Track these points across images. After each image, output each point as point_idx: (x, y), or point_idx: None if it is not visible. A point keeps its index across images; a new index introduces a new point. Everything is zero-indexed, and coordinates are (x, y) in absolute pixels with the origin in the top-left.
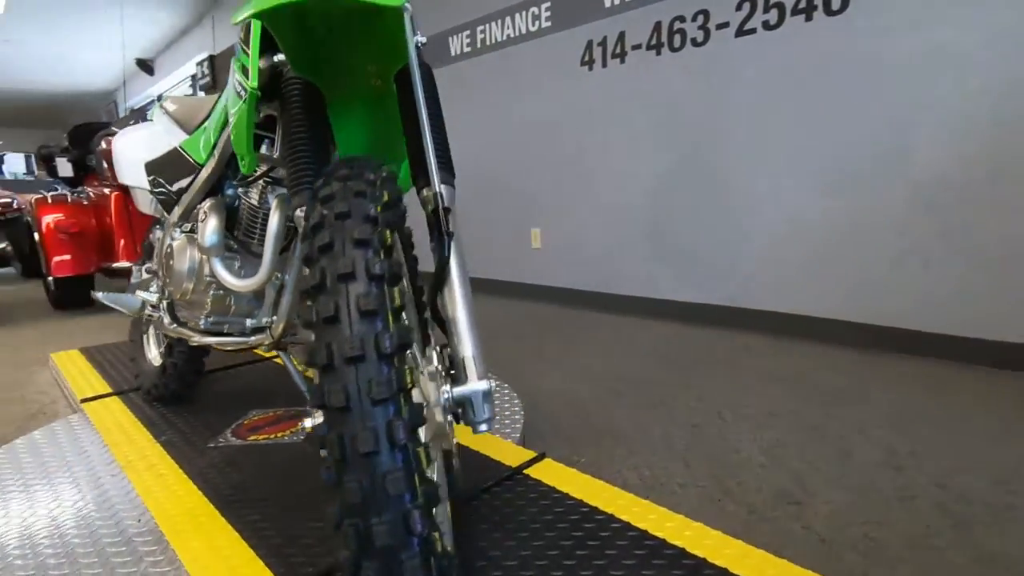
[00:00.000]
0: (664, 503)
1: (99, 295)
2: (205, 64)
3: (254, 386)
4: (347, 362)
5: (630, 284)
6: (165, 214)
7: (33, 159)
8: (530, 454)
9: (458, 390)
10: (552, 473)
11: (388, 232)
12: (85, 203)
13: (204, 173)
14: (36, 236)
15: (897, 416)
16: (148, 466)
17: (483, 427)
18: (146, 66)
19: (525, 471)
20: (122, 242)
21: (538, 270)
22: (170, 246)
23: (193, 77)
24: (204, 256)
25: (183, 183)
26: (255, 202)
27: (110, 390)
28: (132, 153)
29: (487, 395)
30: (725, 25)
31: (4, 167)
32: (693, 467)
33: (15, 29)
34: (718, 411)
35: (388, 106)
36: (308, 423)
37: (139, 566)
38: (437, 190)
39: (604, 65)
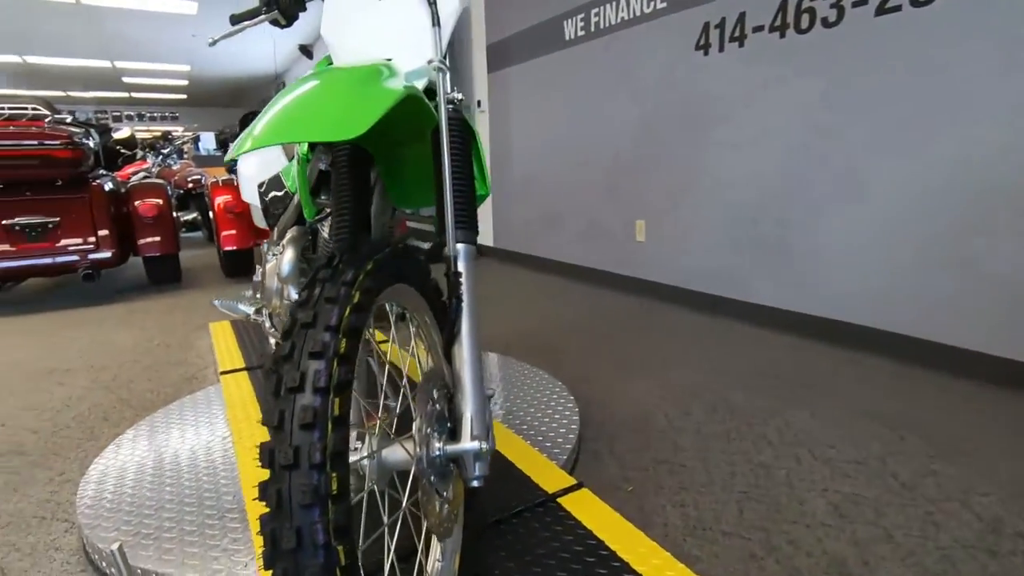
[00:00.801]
0: (700, 550)
1: (216, 302)
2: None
3: None
4: (283, 468)
5: (736, 287)
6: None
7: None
8: (568, 481)
9: (451, 447)
10: (584, 506)
11: (347, 339)
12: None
13: (293, 202)
14: (211, 214)
15: (1021, 484)
16: (253, 445)
17: (474, 483)
18: (306, 51)
19: (559, 499)
20: None
21: (641, 264)
22: (264, 266)
23: None
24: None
25: (280, 208)
26: (326, 235)
27: (243, 365)
28: (250, 171)
29: (478, 456)
30: (863, 2)
31: (200, 144)
32: (746, 514)
33: (204, 25)
34: (796, 450)
35: (429, 158)
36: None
37: (222, 541)
38: (451, 254)
39: (721, 49)
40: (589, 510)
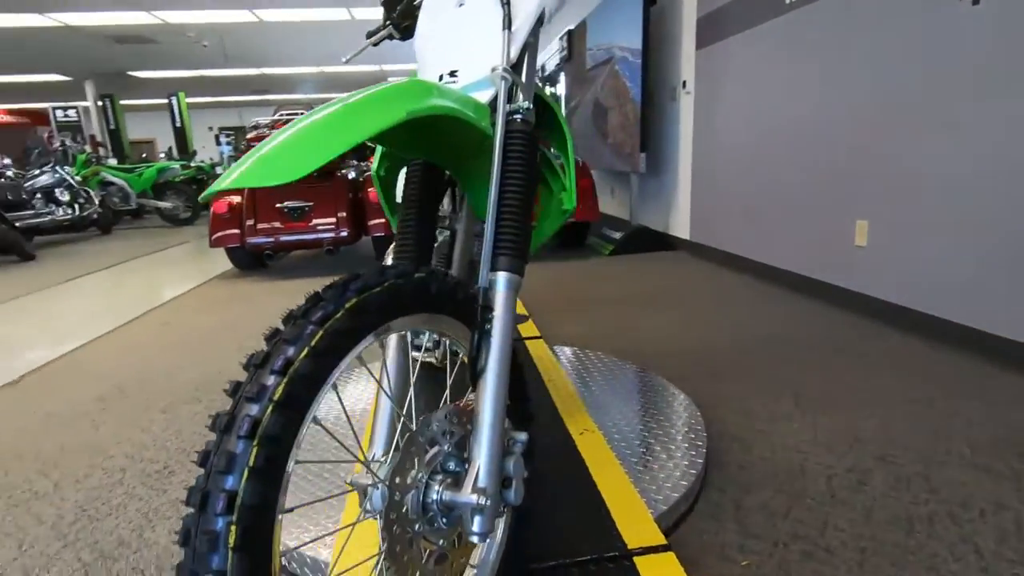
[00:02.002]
0: None
1: None
2: (564, 38)
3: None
4: (194, 509)
5: (992, 317)
6: None
7: None
8: (656, 538)
9: (449, 495)
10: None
11: (292, 385)
12: None
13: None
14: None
15: None
16: None
17: (474, 539)
18: None
19: (635, 558)
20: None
21: (859, 274)
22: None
23: (560, 51)
24: None
25: None
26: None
27: None
28: None
29: (478, 511)
30: None
31: None
32: None
33: None
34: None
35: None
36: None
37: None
38: (480, 284)
39: None
40: None
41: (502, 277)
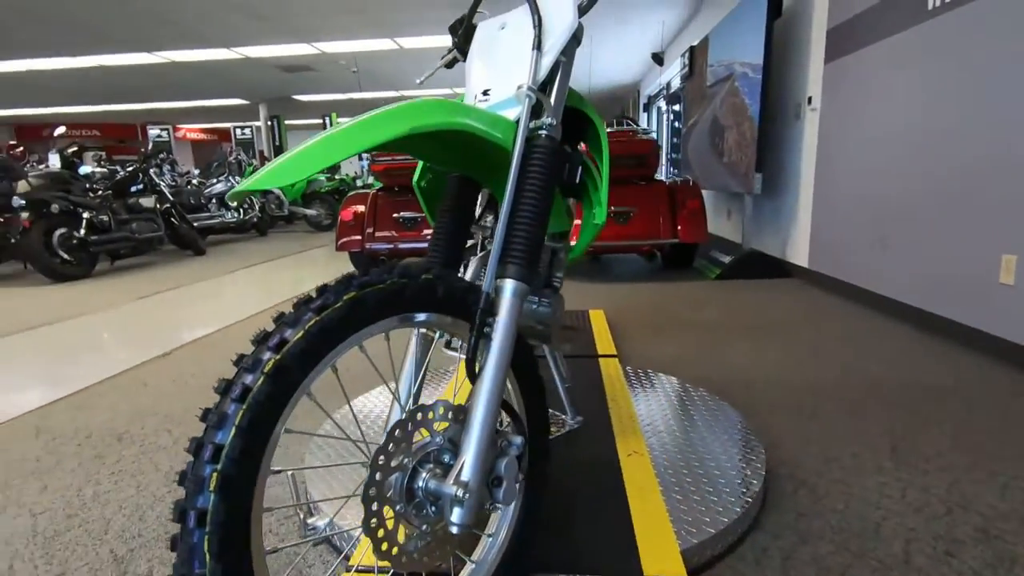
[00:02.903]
0: None
1: None
2: (686, 55)
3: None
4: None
5: None
6: None
7: None
8: (677, 570)
9: (434, 484)
10: None
11: (252, 411)
12: None
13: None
14: None
15: None
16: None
17: (453, 529)
18: (658, 59)
19: None
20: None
21: (1002, 316)
22: None
23: (681, 68)
24: None
25: None
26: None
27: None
28: None
29: (456, 502)
30: None
31: None
32: None
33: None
34: None
35: None
36: (568, 423)
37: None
38: (486, 289)
39: None
40: None
41: (509, 284)
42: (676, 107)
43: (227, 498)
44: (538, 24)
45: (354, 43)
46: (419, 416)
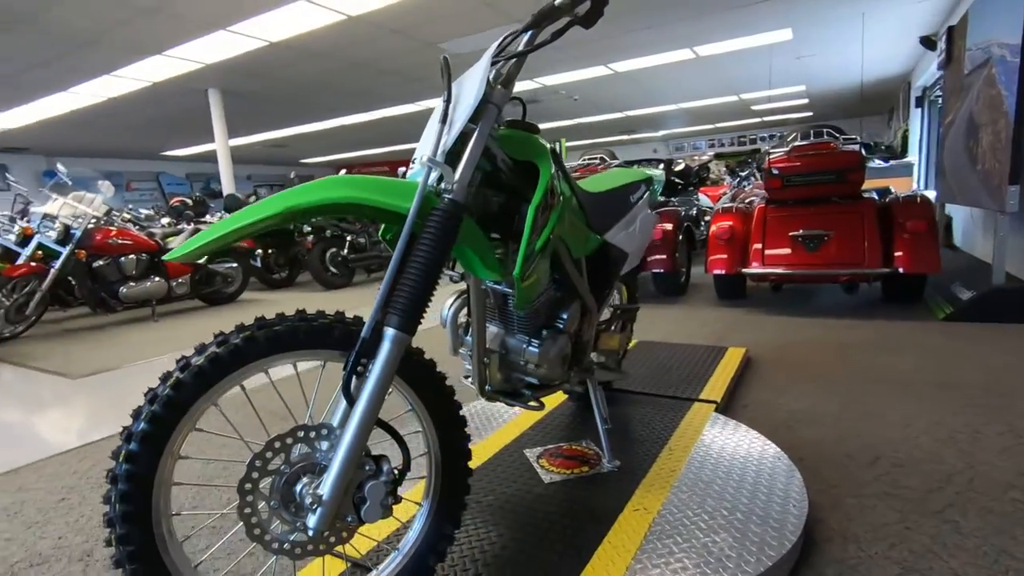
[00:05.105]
0: None
1: None
2: (943, 38)
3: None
4: None
5: None
6: None
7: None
8: None
9: (300, 489)
10: None
11: (178, 377)
12: (744, 212)
13: None
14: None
15: None
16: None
17: (309, 532)
18: (929, 43)
19: None
20: (755, 246)
21: None
22: None
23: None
24: None
25: None
26: None
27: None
28: None
29: (311, 510)
30: None
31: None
32: None
33: (802, 48)
34: None
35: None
36: (604, 465)
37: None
38: (364, 335)
39: None
40: None
41: (389, 332)
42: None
43: (132, 469)
44: (447, 99)
45: (571, 74)
46: (300, 433)
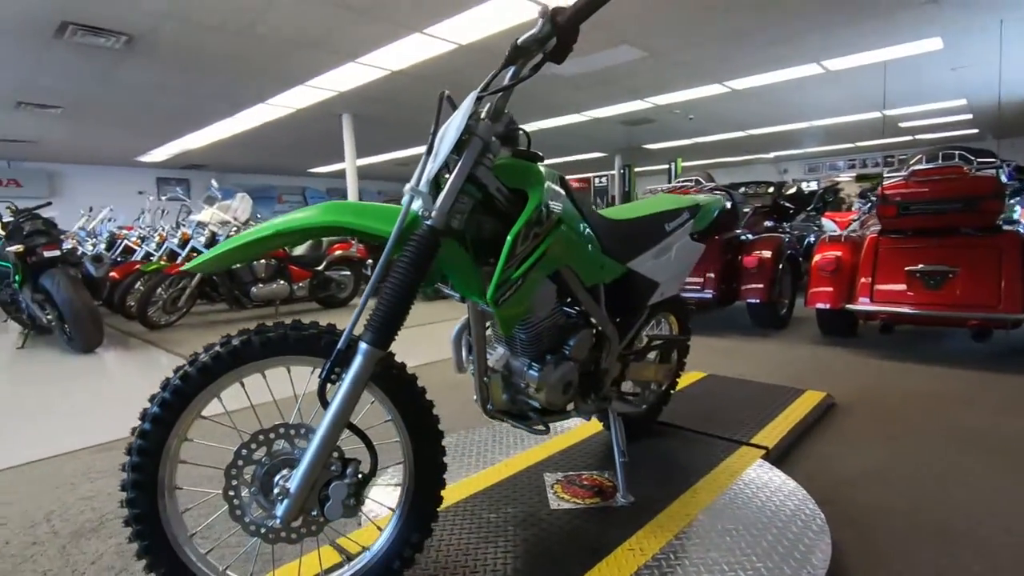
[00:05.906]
0: None
1: None
2: None
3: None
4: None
5: None
6: None
7: None
8: None
9: (274, 480)
10: None
11: (185, 370)
12: (854, 243)
13: None
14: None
15: None
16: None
17: (276, 520)
18: None
19: None
20: (863, 280)
21: None
22: None
23: None
24: None
25: None
26: None
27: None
28: None
29: (279, 500)
30: None
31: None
32: None
33: (956, 58)
34: None
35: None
36: (619, 499)
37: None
38: (339, 347)
39: None
40: None
41: (363, 347)
42: None
43: (143, 443)
44: (433, 132)
45: (681, 94)
46: (281, 429)
